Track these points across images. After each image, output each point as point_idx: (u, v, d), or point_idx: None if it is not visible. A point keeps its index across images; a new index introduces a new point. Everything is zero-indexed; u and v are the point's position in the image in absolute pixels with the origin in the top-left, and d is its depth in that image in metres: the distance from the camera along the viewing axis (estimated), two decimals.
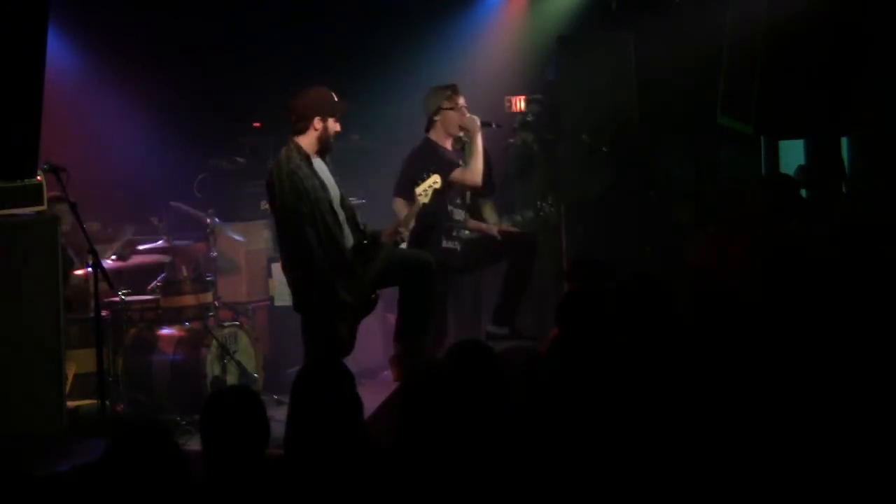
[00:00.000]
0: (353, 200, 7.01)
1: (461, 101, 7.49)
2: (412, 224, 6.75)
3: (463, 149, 7.56)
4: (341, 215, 6.58)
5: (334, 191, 6.56)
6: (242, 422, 3.74)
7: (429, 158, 7.26)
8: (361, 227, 6.73)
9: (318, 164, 6.54)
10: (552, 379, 4.73)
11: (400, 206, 7.27)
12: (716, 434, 4.14)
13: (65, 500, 5.00)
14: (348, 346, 6.56)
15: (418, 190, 6.74)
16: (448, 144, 7.50)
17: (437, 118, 7.45)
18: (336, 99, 6.59)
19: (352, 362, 6.45)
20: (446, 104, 7.44)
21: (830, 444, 4.11)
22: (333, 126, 6.54)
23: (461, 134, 7.50)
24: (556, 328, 5.85)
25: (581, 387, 4.43)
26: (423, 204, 6.72)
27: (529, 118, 9.31)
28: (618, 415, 4.20)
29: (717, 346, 4.76)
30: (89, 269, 6.96)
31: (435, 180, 6.80)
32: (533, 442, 3.99)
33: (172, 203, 8.21)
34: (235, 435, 3.72)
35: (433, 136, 7.48)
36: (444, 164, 7.21)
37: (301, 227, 6.35)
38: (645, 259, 8.75)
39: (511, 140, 9.39)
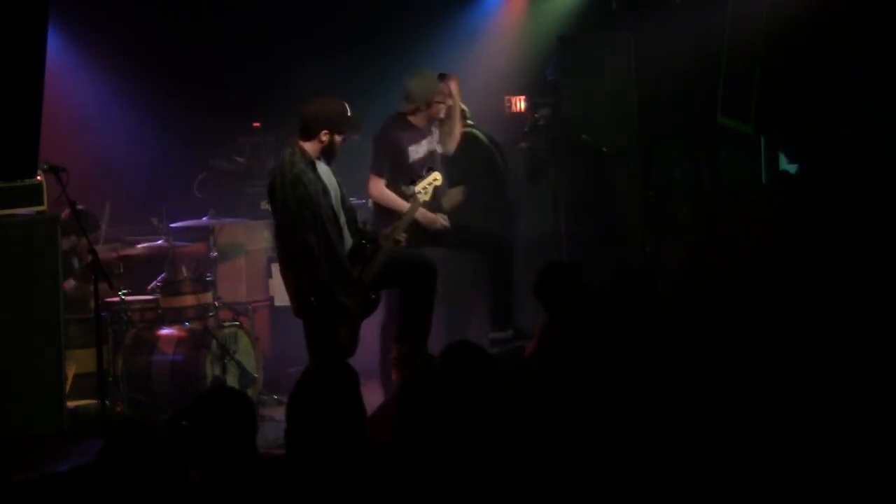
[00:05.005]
0: (353, 201, 7.01)
1: (453, 87, 7.46)
2: (421, 220, 6.79)
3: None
4: (342, 218, 6.58)
5: (336, 194, 6.56)
6: (228, 422, 3.76)
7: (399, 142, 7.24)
8: (361, 225, 6.73)
9: (321, 167, 6.54)
10: (539, 379, 4.75)
11: (377, 186, 7.20)
12: (700, 429, 4.17)
13: (61, 501, 5.01)
14: (350, 347, 6.56)
15: (417, 188, 6.74)
16: (423, 125, 7.41)
17: (426, 108, 7.36)
18: (349, 115, 6.57)
19: (352, 362, 6.49)
20: (438, 98, 7.39)
21: (814, 444, 4.14)
22: (339, 140, 6.54)
23: (442, 117, 7.45)
24: (538, 330, 5.90)
25: (567, 386, 4.45)
26: (424, 202, 6.72)
27: (540, 122, 9.32)
28: (605, 412, 4.23)
29: (695, 343, 4.78)
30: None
31: (435, 177, 6.79)
32: (527, 440, 4.01)
33: (172, 226, 8.21)
34: (222, 434, 3.74)
35: (413, 119, 7.35)
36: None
37: (302, 232, 6.34)
38: (644, 259, 8.75)
39: (522, 144, 9.40)
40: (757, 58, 8.01)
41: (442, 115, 7.46)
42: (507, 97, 9.83)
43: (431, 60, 9.60)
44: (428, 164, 7.22)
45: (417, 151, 7.33)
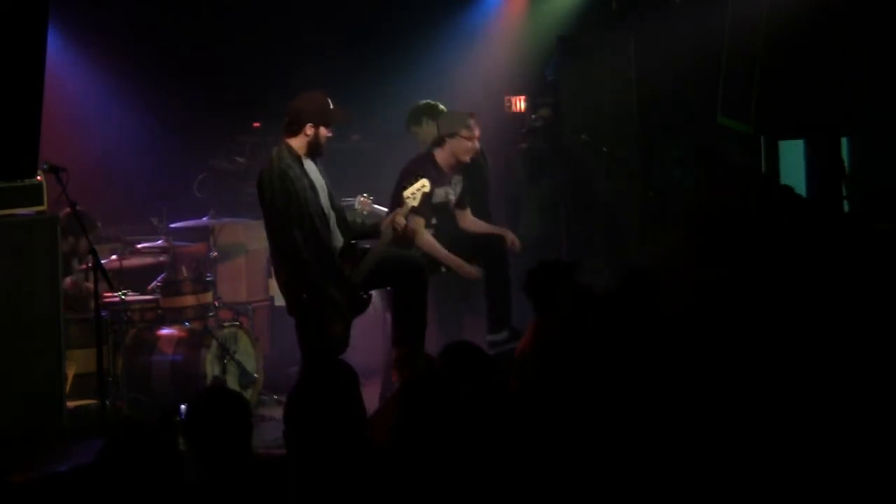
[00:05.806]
0: (348, 200, 7.01)
1: (477, 132, 7.39)
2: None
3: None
4: (332, 217, 6.58)
5: (324, 192, 6.56)
6: (223, 422, 3.76)
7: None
8: (361, 221, 6.71)
9: (309, 165, 6.54)
10: (537, 379, 4.76)
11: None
12: (700, 429, 4.18)
13: (61, 501, 5.01)
14: (342, 344, 6.56)
15: (406, 193, 6.70)
16: (448, 169, 7.38)
17: (450, 140, 7.33)
18: (332, 107, 6.55)
19: (352, 362, 6.48)
20: (465, 132, 7.33)
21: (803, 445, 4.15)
22: (325, 133, 6.52)
23: (466, 160, 7.39)
24: (530, 326, 5.91)
25: (567, 387, 4.45)
26: (413, 207, 6.69)
27: (538, 123, 9.31)
28: (605, 413, 4.23)
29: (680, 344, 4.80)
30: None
31: (423, 184, 6.75)
32: (526, 440, 4.02)
33: (172, 226, 8.20)
34: (217, 434, 3.74)
35: (438, 156, 7.37)
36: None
37: (289, 228, 6.35)
38: (641, 259, 8.76)
39: (522, 144, 9.39)
40: (757, 58, 7.99)
41: (467, 156, 7.36)
42: (507, 97, 9.83)
43: (431, 60, 9.63)
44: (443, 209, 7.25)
45: (437, 195, 7.24)
